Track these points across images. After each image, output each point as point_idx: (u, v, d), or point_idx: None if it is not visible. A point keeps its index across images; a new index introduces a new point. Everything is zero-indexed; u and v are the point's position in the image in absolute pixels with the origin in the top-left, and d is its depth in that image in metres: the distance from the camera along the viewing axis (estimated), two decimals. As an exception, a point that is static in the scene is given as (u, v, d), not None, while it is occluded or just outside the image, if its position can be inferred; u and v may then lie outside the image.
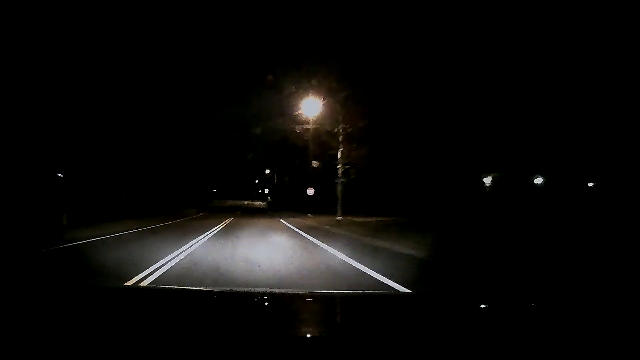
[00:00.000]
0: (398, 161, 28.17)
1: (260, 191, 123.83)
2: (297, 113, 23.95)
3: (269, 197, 74.91)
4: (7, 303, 1.59)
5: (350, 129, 21.23)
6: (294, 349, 1.14)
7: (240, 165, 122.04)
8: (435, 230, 13.89)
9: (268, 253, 8.92)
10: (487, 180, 23.27)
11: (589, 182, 25.12)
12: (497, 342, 1.21)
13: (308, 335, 1.40)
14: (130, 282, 5.45)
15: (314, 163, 27.06)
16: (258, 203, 77.35)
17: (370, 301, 2.17)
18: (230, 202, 65.50)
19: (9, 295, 1.74)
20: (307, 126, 24.38)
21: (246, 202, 78.76)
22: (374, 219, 22.22)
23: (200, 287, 4.89)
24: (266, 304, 2.01)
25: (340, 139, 21.22)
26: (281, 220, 24.37)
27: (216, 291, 2.76)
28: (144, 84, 29.72)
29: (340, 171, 21.32)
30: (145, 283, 5.48)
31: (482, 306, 1.88)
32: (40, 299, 1.74)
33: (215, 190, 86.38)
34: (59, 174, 19.23)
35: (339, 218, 20.47)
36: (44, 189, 15.61)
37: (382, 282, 5.62)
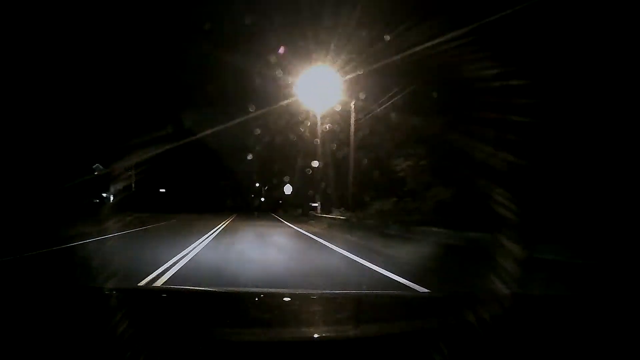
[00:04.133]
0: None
1: (263, 199, 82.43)
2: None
3: (314, 204, 27.32)
4: (19, 304, 1.61)
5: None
6: (300, 350, 1.15)
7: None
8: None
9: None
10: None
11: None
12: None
13: (314, 336, 1.34)
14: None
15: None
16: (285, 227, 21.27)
17: (386, 301, 2.19)
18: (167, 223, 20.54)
19: (20, 296, 1.75)
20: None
21: (226, 221, 24.48)
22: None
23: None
24: (274, 304, 2.00)
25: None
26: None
27: (225, 292, 2.63)
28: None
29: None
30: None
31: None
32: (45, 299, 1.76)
33: (163, 190, 51.31)
34: None
35: None
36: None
37: None
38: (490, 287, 3.85)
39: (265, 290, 3.22)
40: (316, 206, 24.90)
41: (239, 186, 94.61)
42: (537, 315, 1.53)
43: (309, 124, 21.93)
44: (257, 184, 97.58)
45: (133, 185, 64.22)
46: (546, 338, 1.21)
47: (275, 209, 46.79)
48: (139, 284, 5.00)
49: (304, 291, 3.54)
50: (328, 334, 1.35)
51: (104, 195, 62.61)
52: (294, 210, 32.47)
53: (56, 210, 21.20)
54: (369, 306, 1.93)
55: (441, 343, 1.11)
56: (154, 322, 1.46)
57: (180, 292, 2.39)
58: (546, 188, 8.71)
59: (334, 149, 21.18)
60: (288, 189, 36.40)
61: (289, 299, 2.11)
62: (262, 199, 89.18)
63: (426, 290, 4.78)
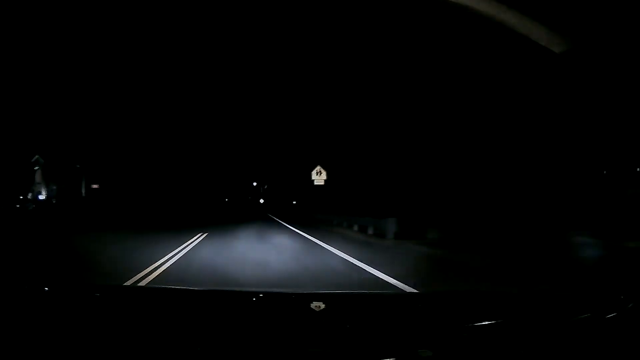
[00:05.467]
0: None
1: (262, 200, 66.33)
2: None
3: None
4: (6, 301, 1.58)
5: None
6: (292, 349, 1.15)
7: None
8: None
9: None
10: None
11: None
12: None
13: (307, 336, 1.31)
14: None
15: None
16: None
17: (374, 301, 2.12)
18: None
19: (8, 294, 1.72)
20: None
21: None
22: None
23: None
24: (266, 303, 1.96)
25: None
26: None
27: (218, 290, 2.66)
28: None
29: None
30: None
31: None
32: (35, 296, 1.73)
33: (96, 186, 39.17)
34: None
35: None
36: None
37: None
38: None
39: (255, 289, 3.16)
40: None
41: (229, 184, 76.02)
42: (526, 313, 1.53)
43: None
44: (255, 183, 79.32)
45: (83, 183, 46.15)
46: (534, 336, 1.22)
47: (284, 213, 28.41)
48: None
49: (291, 290, 3.51)
50: (318, 333, 1.34)
51: (41, 196, 45.15)
52: (339, 222, 14.15)
53: None
54: (359, 305, 1.88)
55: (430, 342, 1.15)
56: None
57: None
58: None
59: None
60: (319, 178, 18.17)
61: (278, 298, 2.07)
62: (262, 201, 70.76)
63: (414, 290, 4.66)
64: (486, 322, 1.38)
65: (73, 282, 3.04)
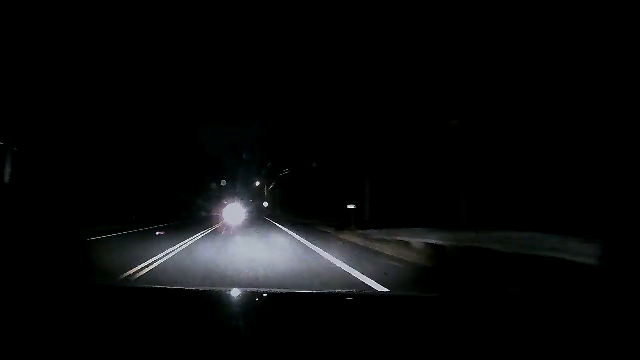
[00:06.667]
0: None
1: (266, 204, 51.06)
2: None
3: None
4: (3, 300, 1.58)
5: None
6: (284, 347, 1.15)
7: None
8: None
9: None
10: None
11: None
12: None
13: (299, 334, 1.33)
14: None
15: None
16: None
17: (371, 302, 2.11)
18: None
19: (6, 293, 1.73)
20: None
21: None
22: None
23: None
24: (256, 302, 1.96)
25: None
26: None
27: (209, 290, 2.73)
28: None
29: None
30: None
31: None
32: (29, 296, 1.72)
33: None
34: None
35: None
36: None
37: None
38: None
39: (245, 289, 3.03)
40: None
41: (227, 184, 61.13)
42: (500, 315, 1.52)
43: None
44: (257, 182, 64.53)
45: (7, 173, 31.83)
46: (509, 338, 1.22)
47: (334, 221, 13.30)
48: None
49: (290, 290, 3.53)
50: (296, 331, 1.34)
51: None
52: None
53: None
54: (331, 305, 1.88)
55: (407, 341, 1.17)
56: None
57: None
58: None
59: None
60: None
61: (268, 297, 2.05)
62: (265, 204, 55.94)
63: (387, 289, 4.75)
64: (481, 324, 1.39)
65: (69, 282, 2.92)
